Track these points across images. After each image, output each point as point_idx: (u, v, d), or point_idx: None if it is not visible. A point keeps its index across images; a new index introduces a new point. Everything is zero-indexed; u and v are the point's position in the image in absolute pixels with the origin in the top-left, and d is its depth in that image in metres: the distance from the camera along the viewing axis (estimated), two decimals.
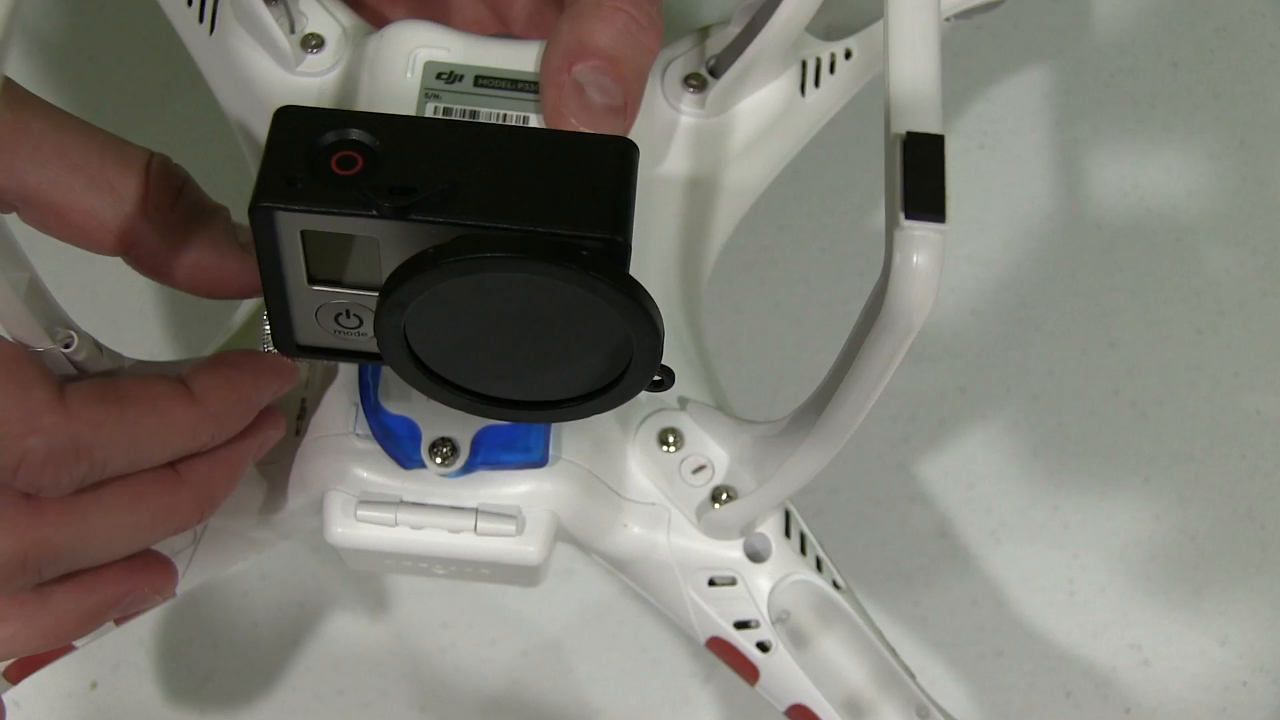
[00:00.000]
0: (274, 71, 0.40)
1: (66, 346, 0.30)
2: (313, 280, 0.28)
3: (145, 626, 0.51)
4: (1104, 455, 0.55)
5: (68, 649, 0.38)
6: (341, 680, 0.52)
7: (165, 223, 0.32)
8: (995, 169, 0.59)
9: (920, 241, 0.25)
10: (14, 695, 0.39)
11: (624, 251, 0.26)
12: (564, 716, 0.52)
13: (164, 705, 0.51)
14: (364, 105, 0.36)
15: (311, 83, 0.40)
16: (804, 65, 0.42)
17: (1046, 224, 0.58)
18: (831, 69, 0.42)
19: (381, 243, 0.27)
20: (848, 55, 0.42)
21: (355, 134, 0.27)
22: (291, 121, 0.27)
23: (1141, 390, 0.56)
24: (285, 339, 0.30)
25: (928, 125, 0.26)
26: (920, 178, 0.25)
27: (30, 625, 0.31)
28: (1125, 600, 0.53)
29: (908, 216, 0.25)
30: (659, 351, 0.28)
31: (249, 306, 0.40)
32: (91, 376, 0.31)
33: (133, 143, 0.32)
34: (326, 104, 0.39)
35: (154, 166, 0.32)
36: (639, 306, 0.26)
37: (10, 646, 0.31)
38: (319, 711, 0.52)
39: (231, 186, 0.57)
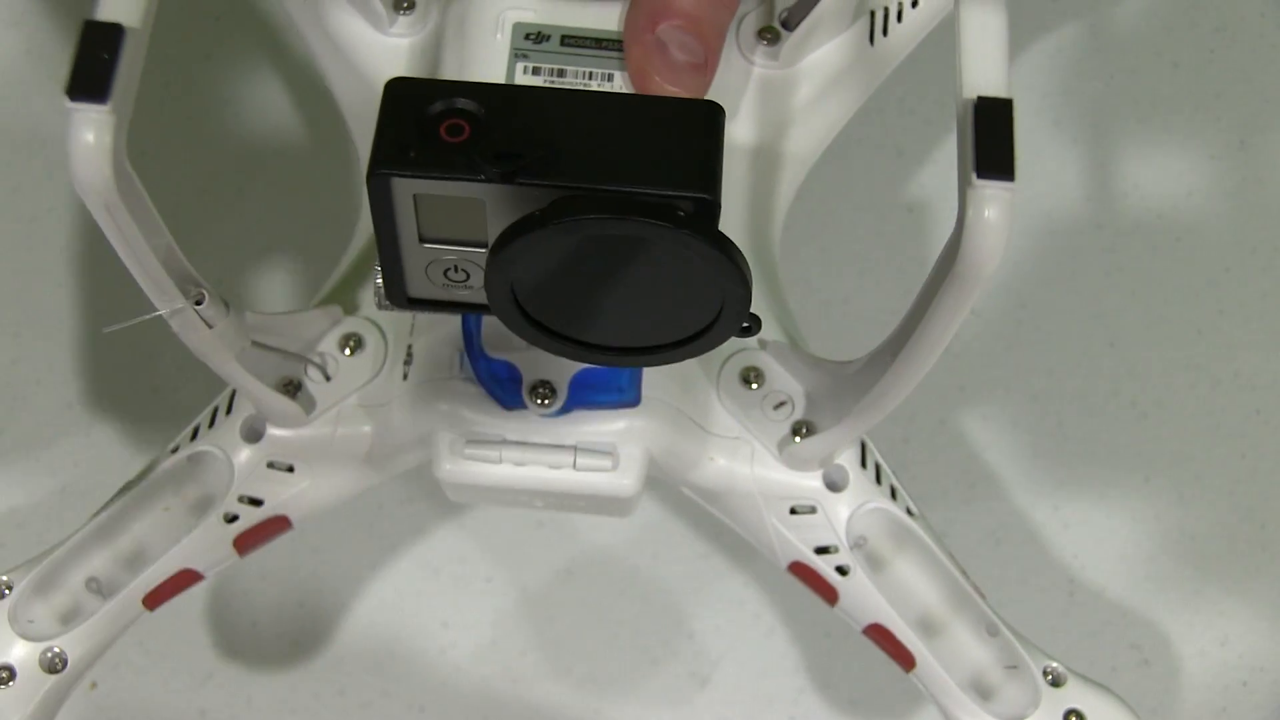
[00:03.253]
0: (367, 33, 0.42)
1: (199, 303, 0.33)
2: (423, 239, 0.30)
3: (145, 627, 0.51)
4: (1104, 455, 0.55)
5: (197, 578, 0.41)
6: (342, 680, 0.52)
7: None
8: None
9: (991, 199, 0.28)
10: None
11: (714, 210, 0.28)
12: (563, 716, 0.52)
13: (164, 706, 0.51)
14: (455, 66, 0.38)
15: (403, 43, 0.41)
16: (872, 15, 0.43)
17: (1046, 224, 0.58)
18: (899, 18, 0.43)
19: (488, 203, 0.29)
20: (914, 3, 0.44)
21: (462, 103, 0.28)
22: (402, 92, 0.29)
23: (1141, 390, 0.56)
24: (397, 292, 0.32)
25: (997, 90, 0.28)
26: (991, 140, 0.28)
27: None
28: (1125, 600, 0.53)
29: (979, 176, 0.27)
30: (748, 301, 0.29)
31: (352, 254, 0.42)
32: None
33: None
34: (418, 64, 0.41)
35: None
36: (730, 261, 0.28)
37: None
38: (319, 711, 0.52)
39: (232, 189, 0.57)
